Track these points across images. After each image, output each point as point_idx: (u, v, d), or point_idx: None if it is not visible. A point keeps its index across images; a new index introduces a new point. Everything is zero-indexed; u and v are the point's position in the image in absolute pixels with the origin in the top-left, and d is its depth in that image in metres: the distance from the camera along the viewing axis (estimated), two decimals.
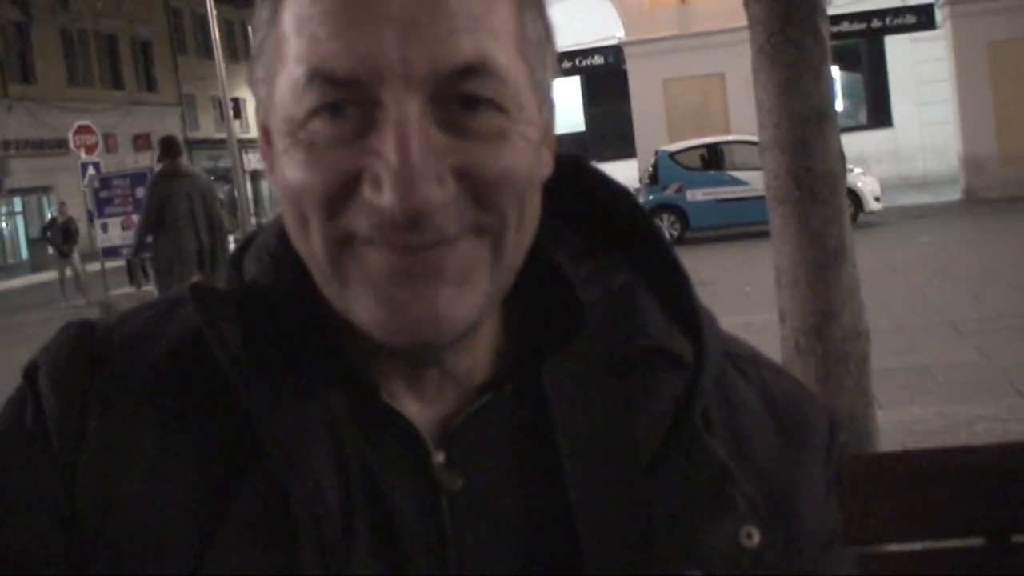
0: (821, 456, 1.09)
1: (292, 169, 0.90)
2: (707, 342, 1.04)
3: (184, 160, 12.00)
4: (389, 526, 0.94)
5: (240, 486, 0.93)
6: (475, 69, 0.87)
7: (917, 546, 2.16)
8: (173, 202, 11.24)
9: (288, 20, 0.89)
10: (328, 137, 0.88)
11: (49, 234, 27.06)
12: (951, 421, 7.01)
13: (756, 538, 0.99)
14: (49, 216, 34.39)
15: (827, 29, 3.67)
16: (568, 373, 1.00)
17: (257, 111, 0.99)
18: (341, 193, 0.88)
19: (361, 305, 0.90)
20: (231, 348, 0.95)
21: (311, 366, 0.96)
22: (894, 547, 2.22)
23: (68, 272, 25.53)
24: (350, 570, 0.91)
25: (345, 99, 0.87)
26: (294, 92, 0.88)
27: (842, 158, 3.71)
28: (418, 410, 0.98)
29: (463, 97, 0.87)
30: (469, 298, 0.90)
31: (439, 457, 0.96)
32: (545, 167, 0.97)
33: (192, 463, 0.94)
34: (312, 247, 0.91)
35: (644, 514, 0.97)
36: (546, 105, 0.96)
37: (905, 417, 7.25)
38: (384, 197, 0.85)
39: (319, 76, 0.87)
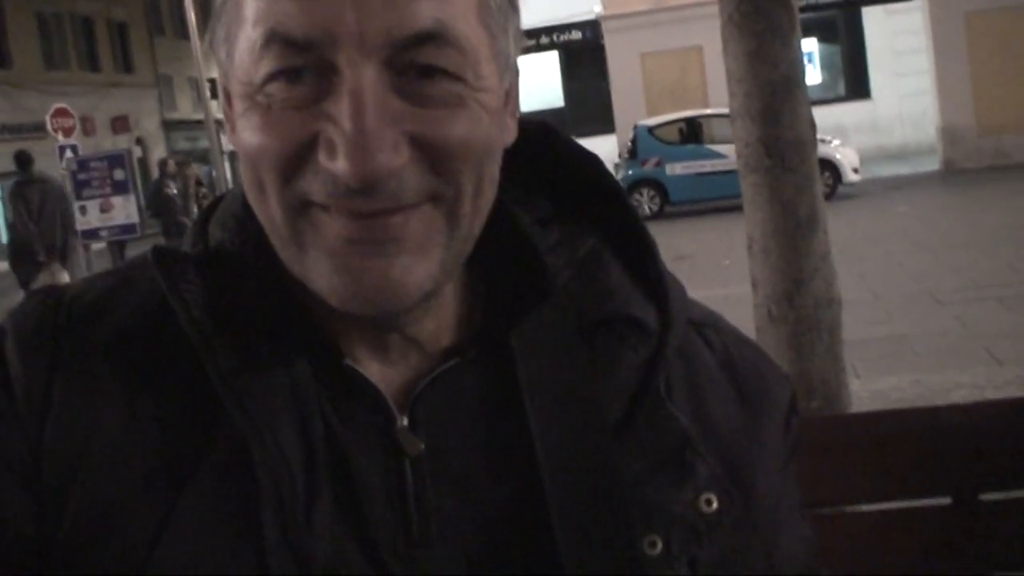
0: (780, 426, 1.10)
1: (249, 132, 0.90)
2: (672, 309, 1.04)
3: (36, 169, 14.76)
4: (352, 489, 0.95)
5: (204, 450, 0.94)
6: (432, 37, 0.87)
7: (886, 506, 2.18)
8: (29, 206, 13.92)
9: None
10: (284, 101, 0.88)
11: None
12: (928, 389, 7.05)
13: (714, 504, 1.00)
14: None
15: None
16: (535, 338, 1.00)
17: (219, 74, 0.99)
18: (296, 158, 0.88)
19: (318, 272, 0.90)
20: (193, 311, 0.95)
21: (275, 330, 0.96)
22: (863, 507, 2.24)
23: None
24: (312, 533, 0.92)
25: (302, 64, 0.87)
26: (251, 54, 0.89)
27: (812, 126, 3.71)
28: (382, 374, 0.98)
29: (420, 67, 0.87)
30: (424, 267, 0.91)
31: (402, 420, 0.97)
32: (508, 134, 0.98)
33: (157, 428, 0.95)
34: (269, 211, 0.91)
35: (611, 476, 0.98)
36: (508, 72, 0.96)
37: (882, 386, 7.29)
38: (338, 164, 0.85)
39: (276, 38, 0.86)
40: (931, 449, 2.12)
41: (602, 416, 0.99)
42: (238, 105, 0.92)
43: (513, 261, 1.02)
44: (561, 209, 1.07)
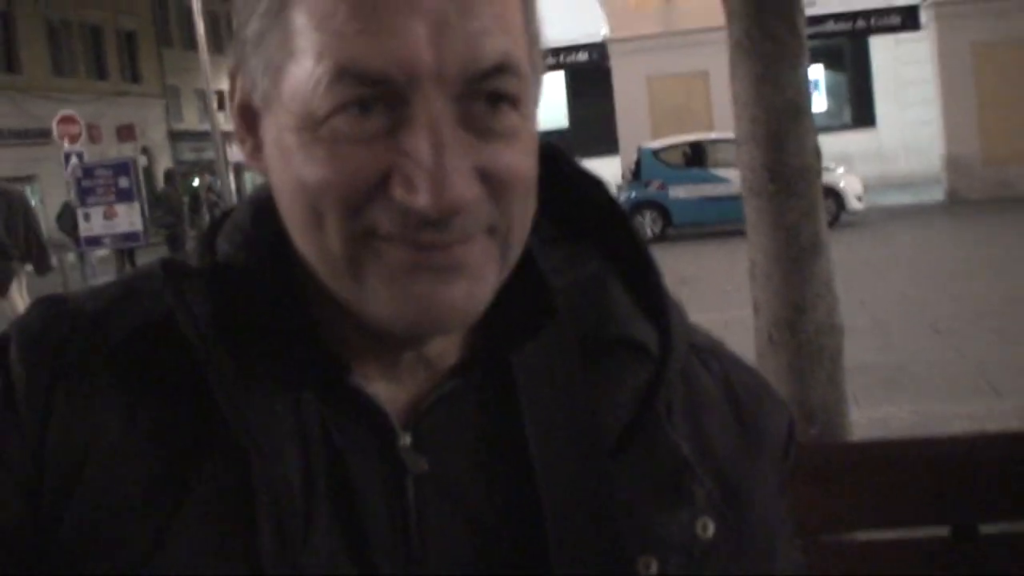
0: (779, 453, 1.10)
1: (312, 167, 0.88)
2: (674, 333, 1.04)
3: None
4: (352, 507, 0.95)
5: (204, 462, 0.93)
6: (502, 69, 0.88)
7: (883, 535, 2.17)
8: None
9: (302, 13, 0.88)
10: (353, 135, 0.87)
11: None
12: (927, 419, 7.04)
13: (711, 530, 1.00)
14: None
15: (803, 23, 3.67)
16: (536, 360, 1.01)
17: (231, 94, 0.98)
18: (365, 192, 0.87)
19: (379, 299, 0.90)
20: (199, 324, 0.95)
21: (280, 346, 0.96)
22: (860, 536, 2.23)
23: None
24: (309, 549, 0.92)
25: (373, 96, 0.86)
26: (315, 89, 0.87)
27: (818, 152, 3.70)
28: (388, 392, 0.98)
29: (489, 94, 0.88)
30: (481, 292, 0.92)
31: (406, 439, 0.97)
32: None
33: (157, 439, 0.94)
34: (326, 243, 0.90)
35: (607, 499, 0.98)
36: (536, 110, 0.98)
37: (881, 414, 7.27)
38: (419, 197, 0.85)
39: (348, 74, 0.86)
40: (931, 479, 2.11)
41: (600, 438, 0.99)
42: (289, 138, 0.90)
43: (516, 280, 1.02)
44: (565, 231, 1.07)
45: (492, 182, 0.89)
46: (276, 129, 0.92)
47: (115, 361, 0.97)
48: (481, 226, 0.90)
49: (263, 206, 1.00)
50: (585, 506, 0.97)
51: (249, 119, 0.97)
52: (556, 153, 1.08)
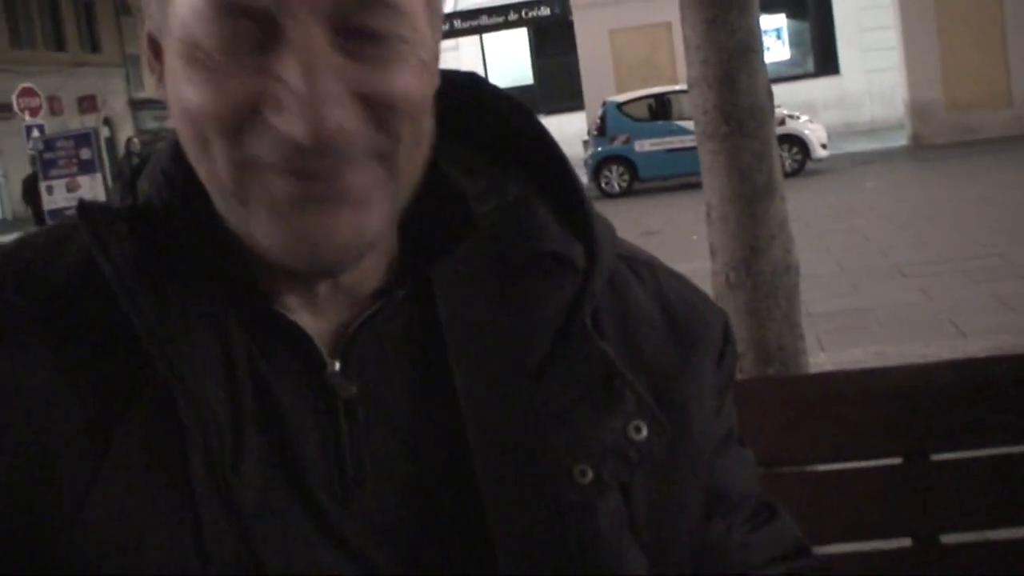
0: (713, 355, 1.12)
1: (191, 90, 0.89)
2: (599, 245, 1.05)
3: None
4: (283, 434, 0.96)
5: (133, 403, 0.94)
6: (379, 1, 0.88)
7: (835, 466, 2.19)
8: None
9: None
10: (226, 57, 0.87)
11: None
12: (891, 361, 7.07)
13: (644, 432, 1.01)
14: None
15: None
16: (458, 277, 1.01)
17: (142, 24, 0.99)
18: (242, 117, 0.88)
19: (262, 229, 0.90)
20: (118, 264, 0.95)
21: (203, 281, 0.96)
22: (813, 468, 2.25)
23: None
24: (239, 477, 0.92)
25: (245, 24, 0.86)
26: (194, 16, 0.88)
27: (769, 93, 3.71)
28: (313, 321, 0.99)
29: (366, 32, 0.88)
30: (367, 220, 0.91)
31: (334, 366, 0.98)
32: (433, 85, 0.98)
33: (84, 383, 0.94)
34: (214, 168, 0.91)
35: (530, 415, 0.99)
36: (439, 26, 0.98)
37: (847, 358, 7.34)
38: (293, 126, 0.86)
39: (221, 4, 0.86)
40: (883, 409, 2.12)
41: (523, 354, 1.00)
42: (175, 62, 0.91)
43: (441, 210, 1.02)
44: (489, 158, 1.08)
45: (375, 106, 0.89)
46: (169, 56, 0.93)
47: (42, 307, 0.97)
48: (367, 152, 0.90)
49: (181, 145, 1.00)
50: (509, 422, 0.98)
51: (156, 48, 0.98)
52: (477, 82, 1.08)
